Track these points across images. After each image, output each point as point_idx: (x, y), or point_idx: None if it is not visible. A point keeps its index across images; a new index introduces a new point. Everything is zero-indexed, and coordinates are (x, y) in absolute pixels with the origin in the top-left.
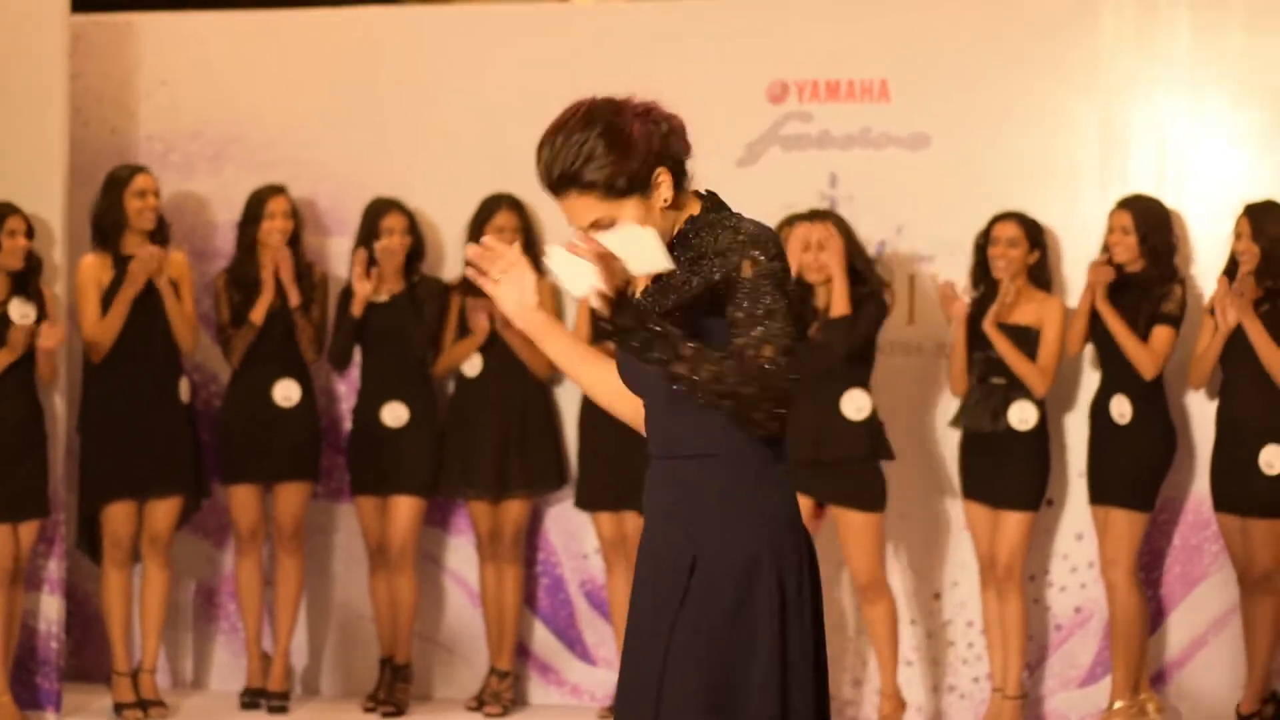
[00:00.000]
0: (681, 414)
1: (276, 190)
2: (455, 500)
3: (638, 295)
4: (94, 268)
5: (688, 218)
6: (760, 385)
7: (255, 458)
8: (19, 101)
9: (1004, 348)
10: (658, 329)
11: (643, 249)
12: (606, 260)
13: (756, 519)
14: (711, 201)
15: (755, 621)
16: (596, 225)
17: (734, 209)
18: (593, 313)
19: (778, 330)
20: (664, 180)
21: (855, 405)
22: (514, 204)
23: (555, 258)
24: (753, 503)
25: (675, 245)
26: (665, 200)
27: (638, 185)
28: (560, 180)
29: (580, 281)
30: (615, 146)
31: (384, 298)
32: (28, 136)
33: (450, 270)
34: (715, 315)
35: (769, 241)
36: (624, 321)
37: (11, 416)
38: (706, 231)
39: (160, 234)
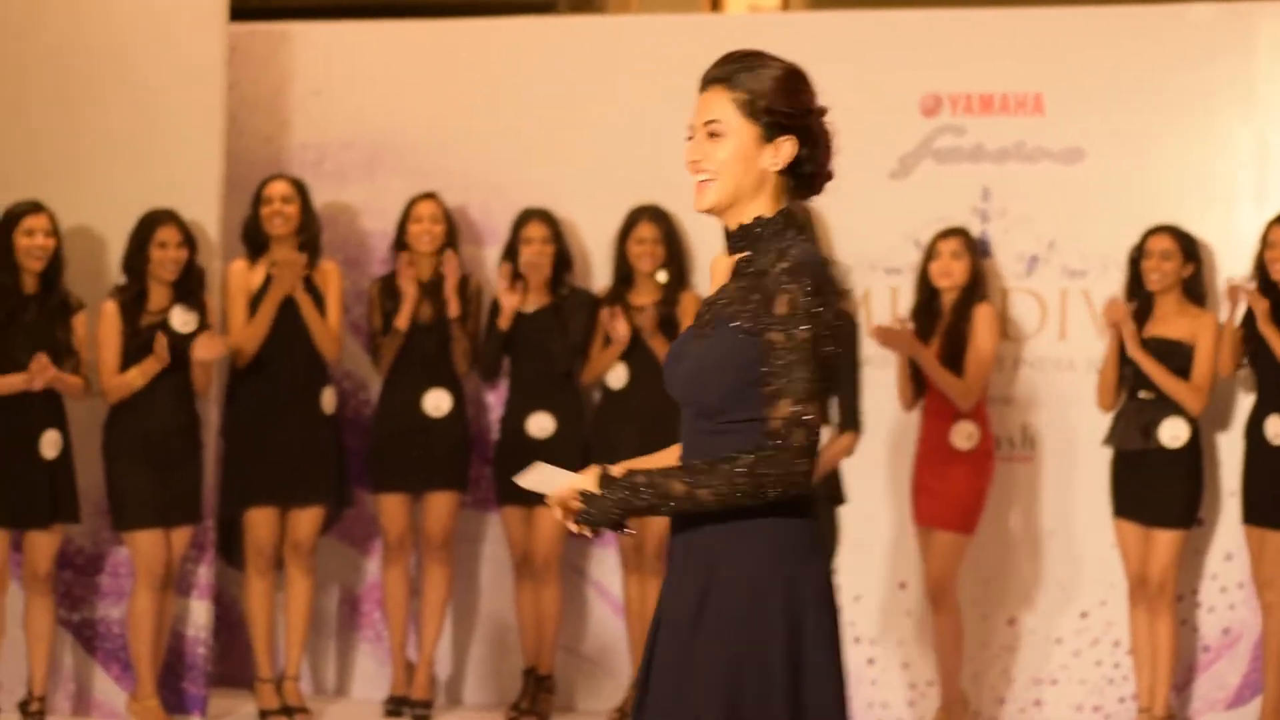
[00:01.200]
0: (706, 432)
1: (426, 195)
2: None
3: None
4: (242, 274)
5: (758, 216)
6: (787, 469)
7: (405, 467)
8: (177, 110)
9: (1152, 369)
10: (643, 490)
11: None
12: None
13: (770, 544)
14: (785, 218)
15: (766, 648)
16: (710, 125)
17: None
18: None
19: (802, 391)
20: (787, 146)
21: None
22: (658, 215)
23: (530, 476)
24: (768, 527)
25: (740, 237)
26: (775, 163)
27: (770, 124)
28: (720, 71)
29: (551, 487)
30: (782, 84)
31: (531, 309)
32: (185, 145)
33: (599, 281)
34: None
35: (815, 276)
36: (603, 507)
37: (170, 425)
38: (765, 245)
39: (308, 241)
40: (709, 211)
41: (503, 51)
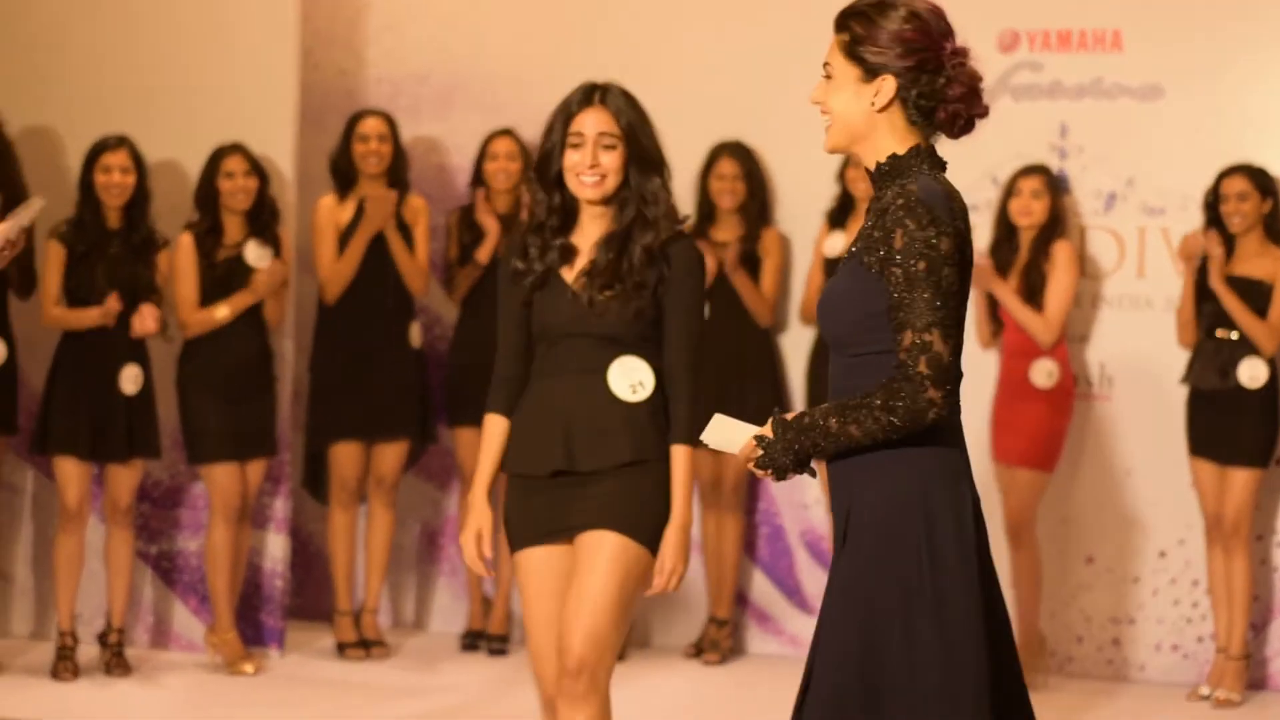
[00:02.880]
0: (841, 364)
1: (502, 132)
2: None
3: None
4: (330, 210)
5: (891, 154)
6: (913, 399)
7: (479, 402)
8: (251, 45)
9: (1232, 304)
10: (808, 431)
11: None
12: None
13: (908, 468)
14: (917, 155)
15: (903, 573)
16: (825, 68)
17: (948, 162)
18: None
19: (922, 321)
20: (885, 86)
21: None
22: (739, 151)
23: (712, 432)
24: (906, 453)
25: (874, 175)
26: (877, 102)
27: (867, 65)
28: (840, 14)
29: (735, 443)
30: (882, 24)
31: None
32: (260, 79)
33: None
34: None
35: (930, 208)
36: (778, 450)
37: (243, 358)
38: (891, 181)
39: (398, 178)
40: (832, 151)
41: None
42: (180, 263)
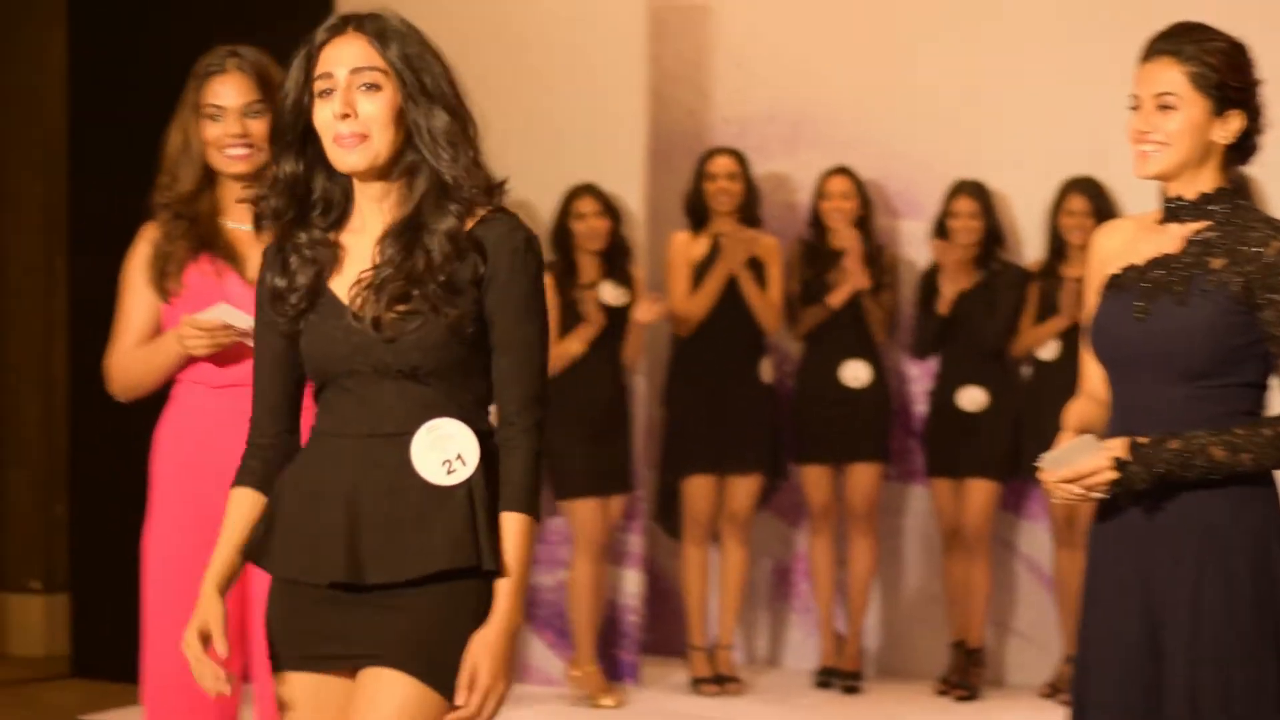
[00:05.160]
0: (1187, 397)
1: (837, 171)
2: (1031, 484)
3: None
4: (684, 245)
5: (1219, 187)
6: None
7: (827, 438)
8: (601, 86)
9: None
10: (1184, 457)
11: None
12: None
13: (1265, 501)
14: (1235, 186)
15: (1272, 609)
16: (1161, 98)
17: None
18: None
19: None
20: (1236, 121)
21: None
22: (1090, 187)
23: (1049, 459)
24: (1262, 483)
25: (1191, 207)
26: (1224, 136)
27: (1220, 98)
28: (1168, 43)
29: (1074, 463)
30: (1232, 58)
31: (963, 287)
32: (610, 120)
33: (1030, 255)
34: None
35: None
36: (1141, 474)
37: (601, 396)
38: (1222, 214)
39: (750, 215)
40: (1153, 178)
41: (924, 20)
42: None
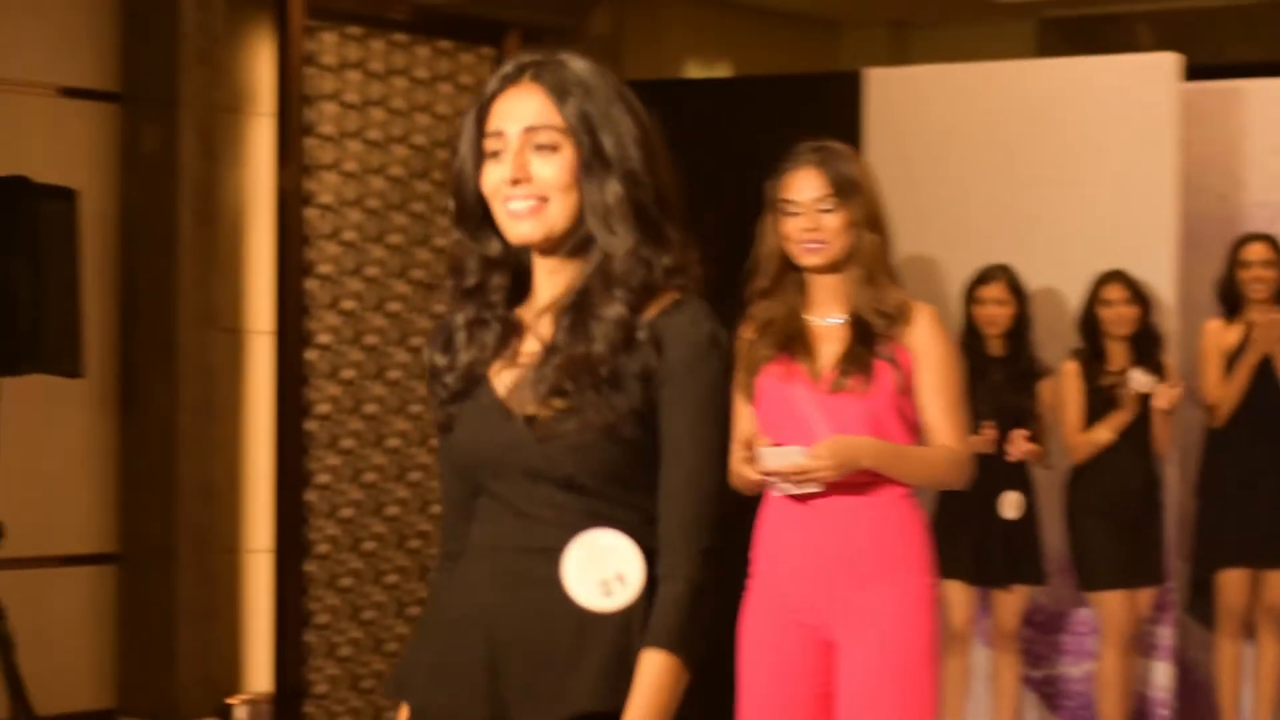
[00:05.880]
0: None
1: (1256, 237)
2: None
3: None
4: (1217, 332)
5: None
6: None
7: None
8: (1130, 172)
9: None
10: None
11: None
12: None
13: None
14: None
15: None
16: None
17: None
18: None
19: None
20: None
21: None
22: None
23: None
24: None
25: None
26: None
27: None
28: None
29: None
30: None
31: None
32: (1138, 206)
33: None
34: None
35: None
36: None
37: (1131, 485)
38: None
39: None
40: None
41: None
42: (1066, 389)
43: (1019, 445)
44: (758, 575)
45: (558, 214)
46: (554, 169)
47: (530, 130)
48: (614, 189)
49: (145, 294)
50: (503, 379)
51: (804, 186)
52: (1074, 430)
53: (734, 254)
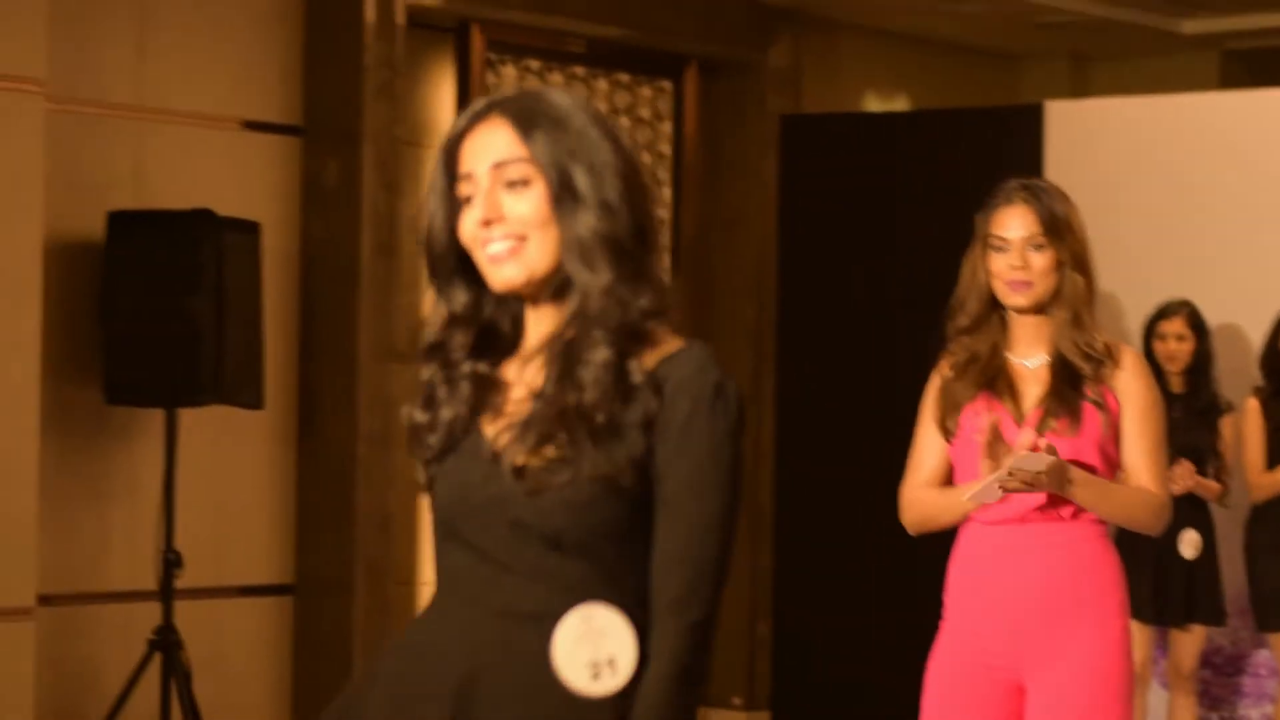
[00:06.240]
0: None
1: None
2: None
3: None
4: (1256, 412)
5: None
6: None
7: None
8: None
9: None
10: None
11: None
12: None
13: None
14: None
15: None
16: None
17: None
18: None
19: None
20: None
21: None
22: None
23: None
24: None
25: None
26: None
27: None
28: None
29: None
30: None
31: None
32: None
33: None
34: None
35: None
36: None
37: None
38: None
39: None
40: None
41: None
42: (1248, 428)
43: (1185, 478)
44: (949, 616)
45: (538, 253)
46: (527, 205)
47: (498, 166)
48: (587, 221)
49: (325, 325)
50: (491, 430)
51: (1015, 224)
52: (1255, 469)
53: (913, 286)
